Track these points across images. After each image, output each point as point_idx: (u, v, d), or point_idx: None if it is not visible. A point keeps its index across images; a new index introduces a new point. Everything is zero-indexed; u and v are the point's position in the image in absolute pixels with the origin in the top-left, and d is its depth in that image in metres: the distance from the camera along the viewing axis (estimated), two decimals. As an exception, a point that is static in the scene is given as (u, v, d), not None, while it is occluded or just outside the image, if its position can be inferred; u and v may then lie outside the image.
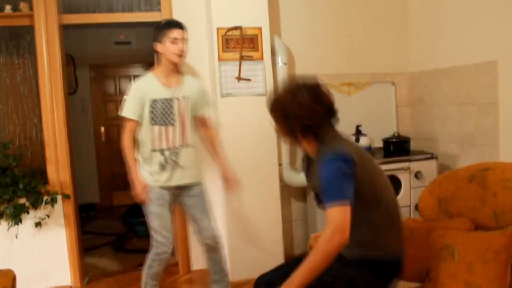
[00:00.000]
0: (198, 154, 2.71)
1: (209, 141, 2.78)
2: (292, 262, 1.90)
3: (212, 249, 2.75)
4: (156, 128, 2.53)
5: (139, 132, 2.56)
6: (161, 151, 2.55)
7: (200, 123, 2.73)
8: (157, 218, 2.56)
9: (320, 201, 1.81)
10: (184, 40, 2.53)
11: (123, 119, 2.55)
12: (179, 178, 2.61)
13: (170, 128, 2.55)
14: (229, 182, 2.78)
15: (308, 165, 1.91)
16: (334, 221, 1.54)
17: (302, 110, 1.69)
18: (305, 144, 1.79)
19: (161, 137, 2.54)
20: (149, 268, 2.65)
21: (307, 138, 1.76)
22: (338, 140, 1.75)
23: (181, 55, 2.52)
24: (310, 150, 1.80)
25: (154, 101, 2.51)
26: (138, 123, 2.53)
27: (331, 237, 1.53)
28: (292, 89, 1.74)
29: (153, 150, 2.54)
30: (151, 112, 2.51)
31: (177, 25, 2.54)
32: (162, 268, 2.65)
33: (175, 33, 2.49)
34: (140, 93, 2.52)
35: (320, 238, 1.57)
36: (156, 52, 2.58)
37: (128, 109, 2.52)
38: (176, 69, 2.60)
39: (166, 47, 2.49)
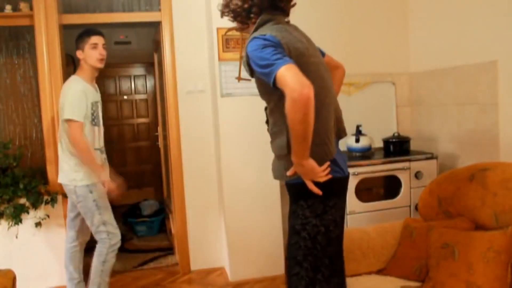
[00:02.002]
0: None
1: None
2: None
3: (84, 245, 2.92)
4: (96, 128, 2.71)
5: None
6: (100, 150, 2.74)
7: None
8: (107, 210, 2.68)
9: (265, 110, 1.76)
10: (103, 45, 2.69)
11: (71, 123, 2.54)
12: (107, 174, 2.79)
13: (100, 129, 2.75)
14: None
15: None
16: (288, 80, 1.39)
17: None
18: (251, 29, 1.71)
19: (99, 136, 2.74)
20: (103, 264, 2.69)
21: (249, 26, 1.73)
22: (275, 28, 1.62)
23: (102, 59, 2.68)
24: None
25: (92, 104, 2.66)
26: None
27: (292, 95, 1.37)
28: None
29: (95, 149, 2.69)
30: (92, 114, 2.66)
31: (96, 32, 2.69)
32: (114, 260, 2.73)
33: (94, 39, 2.65)
34: (84, 95, 2.59)
35: (286, 105, 1.41)
36: (78, 59, 2.71)
37: (78, 112, 2.55)
38: (97, 74, 2.76)
39: (87, 52, 2.65)
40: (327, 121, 1.66)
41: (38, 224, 3.12)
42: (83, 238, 2.89)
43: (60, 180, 2.70)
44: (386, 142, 3.41)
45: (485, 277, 1.77)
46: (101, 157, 2.74)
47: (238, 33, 3.12)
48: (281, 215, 3.27)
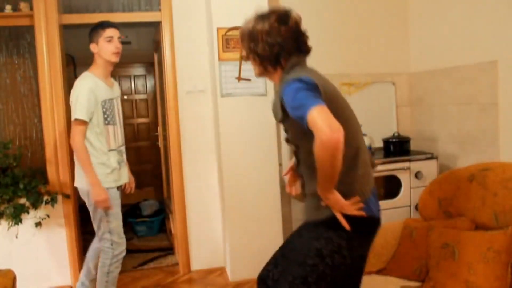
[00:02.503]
0: None
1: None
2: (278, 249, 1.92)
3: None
4: (110, 128, 2.57)
5: (90, 133, 2.51)
6: (117, 150, 2.61)
7: None
8: (116, 219, 2.58)
9: (288, 140, 1.76)
10: (118, 38, 2.59)
11: (75, 122, 2.45)
12: (125, 176, 2.72)
13: (117, 127, 2.63)
14: None
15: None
16: (319, 122, 1.41)
17: (270, 35, 1.65)
18: (275, 76, 1.74)
19: (115, 136, 2.60)
20: (107, 275, 2.59)
21: (276, 69, 1.72)
22: (305, 70, 1.67)
23: (117, 52, 2.58)
24: (277, 81, 1.73)
25: (104, 102, 2.55)
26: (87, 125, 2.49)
27: (322, 138, 1.40)
28: (262, 15, 1.70)
29: (110, 150, 2.57)
30: (104, 112, 2.54)
31: (110, 24, 2.59)
32: (119, 270, 2.65)
33: (109, 31, 2.54)
34: (92, 93, 2.48)
35: (315, 146, 1.44)
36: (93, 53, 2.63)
37: (84, 111, 2.44)
38: (112, 69, 2.66)
39: (102, 46, 2.54)
40: (365, 163, 1.69)
41: (38, 224, 3.12)
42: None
43: (76, 183, 2.60)
44: (386, 142, 3.41)
45: (485, 277, 1.77)
46: (117, 158, 2.60)
47: (238, 33, 3.11)
48: (281, 215, 3.28)
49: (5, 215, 3.01)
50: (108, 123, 2.56)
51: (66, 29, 3.36)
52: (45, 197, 3.09)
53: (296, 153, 1.77)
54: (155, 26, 3.61)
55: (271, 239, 3.25)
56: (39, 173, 3.21)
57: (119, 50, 2.59)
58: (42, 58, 3.13)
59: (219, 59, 3.11)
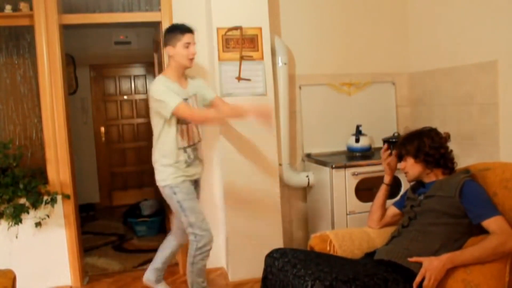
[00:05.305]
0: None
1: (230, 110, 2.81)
2: (312, 252, 2.07)
3: (184, 239, 2.88)
4: (181, 126, 2.59)
5: (162, 131, 2.58)
6: (185, 148, 2.62)
7: (217, 103, 2.81)
8: (193, 212, 2.60)
9: (410, 219, 2.07)
10: (194, 44, 2.61)
11: (175, 111, 2.47)
12: (199, 172, 2.77)
13: (190, 126, 2.63)
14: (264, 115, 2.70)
15: (416, 188, 2.24)
16: (507, 229, 1.80)
17: (441, 147, 2.16)
18: (437, 173, 2.14)
19: (184, 134, 2.61)
20: (192, 265, 2.65)
21: (438, 169, 2.14)
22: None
23: (192, 58, 2.61)
24: (437, 178, 2.13)
25: None
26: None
27: (505, 242, 1.77)
28: (428, 132, 2.23)
29: (179, 148, 2.59)
30: None
31: (189, 29, 2.60)
32: (205, 262, 2.68)
33: (187, 37, 2.56)
34: (169, 88, 2.52)
35: (493, 239, 1.78)
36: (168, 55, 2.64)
37: (172, 97, 2.48)
38: (184, 71, 2.68)
39: (179, 51, 2.56)
40: None
41: (38, 224, 3.11)
42: (177, 240, 2.90)
43: (157, 183, 2.68)
44: (386, 142, 3.40)
45: (482, 275, 1.77)
46: (186, 156, 2.61)
47: (238, 33, 3.12)
48: (281, 215, 3.28)
49: (5, 215, 3.01)
50: (180, 122, 2.58)
51: (66, 29, 3.36)
52: (45, 197, 3.10)
53: (410, 219, 2.11)
54: (155, 26, 3.61)
55: (271, 240, 3.25)
56: (39, 173, 3.21)
57: (194, 56, 2.60)
58: (42, 58, 3.12)
59: (219, 59, 3.11)
